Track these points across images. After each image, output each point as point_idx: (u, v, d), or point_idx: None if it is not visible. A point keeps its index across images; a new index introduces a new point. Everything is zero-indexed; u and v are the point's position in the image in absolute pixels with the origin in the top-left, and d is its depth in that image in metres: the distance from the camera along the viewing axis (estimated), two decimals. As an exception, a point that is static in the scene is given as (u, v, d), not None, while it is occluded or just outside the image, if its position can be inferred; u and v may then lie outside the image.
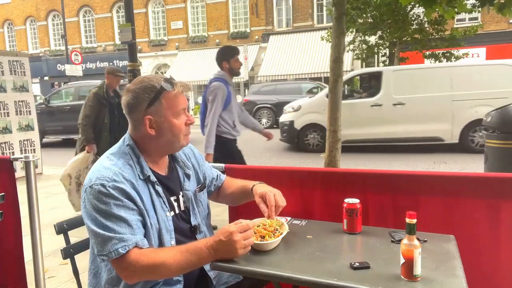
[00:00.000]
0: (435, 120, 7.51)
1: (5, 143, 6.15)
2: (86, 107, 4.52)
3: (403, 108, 7.59)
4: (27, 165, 2.21)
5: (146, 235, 1.33)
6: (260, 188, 1.55)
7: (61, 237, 1.57)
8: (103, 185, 1.27)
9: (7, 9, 28.66)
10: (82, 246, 1.61)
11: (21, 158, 2.22)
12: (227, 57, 3.66)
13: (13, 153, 6.20)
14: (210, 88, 3.63)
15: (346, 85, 8.37)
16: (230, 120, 3.63)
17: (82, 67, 19.02)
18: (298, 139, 8.57)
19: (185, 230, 1.48)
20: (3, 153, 6.04)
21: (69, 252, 1.56)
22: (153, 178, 1.40)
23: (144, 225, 1.33)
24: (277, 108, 13.58)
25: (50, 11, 27.56)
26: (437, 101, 7.50)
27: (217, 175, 1.75)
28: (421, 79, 7.69)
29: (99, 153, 4.39)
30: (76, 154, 4.57)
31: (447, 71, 7.73)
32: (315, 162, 7.35)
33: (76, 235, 1.65)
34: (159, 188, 1.41)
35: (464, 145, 7.50)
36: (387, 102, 7.72)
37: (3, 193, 2.16)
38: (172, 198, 1.47)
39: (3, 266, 2.36)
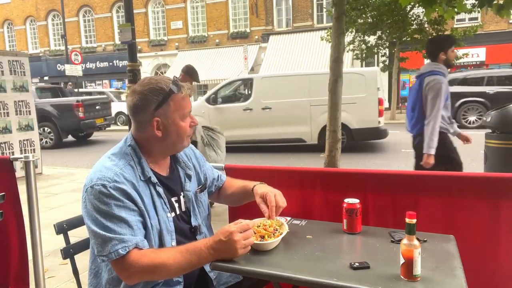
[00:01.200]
0: (297, 123, 8.36)
1: (5, 143, 6.14)
2: None
3: (270, 112, 8.47)
4: (27, 165, 2.21)
5: (147, 236, 1.32)
6: (261, 188, 1.55)
7: (61, 237, 1.57)
8: (104, 186, 1.26)
9: (7, 9, 28.65)
10: (82, 246, 1.61)
11: (21, 158, 2.22)
12: (445, 47, 3.26)
13: (13, 153, 6.19)
14: (431, 83, 3.19)
15: (219, 92, 9.27)
16: (446, 115, 3.28)
17: (82, 67, 19.01)
18: None
19: (186, 231, 1.48)
20: (3, 153, 6.04)
21: (69, 252, 1.56)
22: (154, 179, 1.39)
23: (145, 226, 1.33)
24: (493, 103, 10.94)
25: (50, 11, 27.55)
26: (298, 106, 8.32)
27: (218, 176, 1.75)
28: (284, 86, 8.56)
29: None
30: None
31: (306, 78, 8.44)
32: (315, 162, 7.37)
33: (76, 235, 1.65)
34: (160, 189, 1.40)
35: (323, 146, 7.96)
36: (257, 106, 8.57)
37: (3, 193, 2.16)
38: (173, 199, 1.47)
39: (4, 265, 2.36)
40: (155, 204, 1.37)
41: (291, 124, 8.35)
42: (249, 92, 8.90)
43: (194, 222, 1.51)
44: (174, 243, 1.39)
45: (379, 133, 8.20)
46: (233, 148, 8.45)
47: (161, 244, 1.36)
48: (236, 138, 8.49)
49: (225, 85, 9.27)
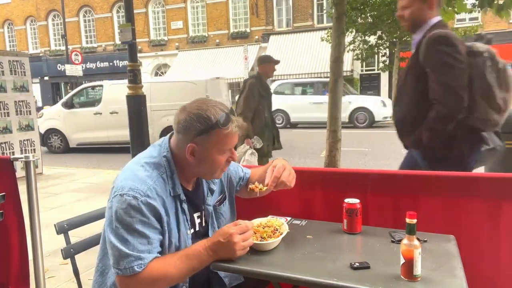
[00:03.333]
0: None
1: (5, 143, 6.14)
2: (247, 99, 4.08)
3: (117, 116, 9.28)
4: (27, 165, 2.20)
5: (163, 253, 1.30)
6: (278, 160, 1.55)
7: (61, 237, 1.57)
8: (135, 198, 1.23)
9: (7, 9, 28.66)
10: (83, 246, 1.61)
11: (21, 158, 2.21)
12: None
13: (13, 153, 6.19)
14: None
15: (74, 97, 10.28)
16: None
17: (82, 67, 19.01)
18: (43, 141, 9.70)
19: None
20: (3, 153, 6.04)
21: (69, 252, 1.56)
22: (182, 196, 1.37)
23: (162, 244, 1.30)
24: None
25: (50, 11, 27.56)
26: None
27: (244, 174, 1.71)
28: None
29: (262, 149, 4.18)
30: None
31: (147, 86, 9.19)
32: (315, 162, 7.37)
33: (77, 235, 1.65)
34: (185, 206, 1.39)
35: None
36: (106, 111, 9.52)
37: (3, 193, 2.16)
38: (195, 215, 1.46)
39: (4, 265, 2.36)
40: (178, 220, 1.36)
41: None
42: (99, 97, 9.97)
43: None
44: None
45: None
46: (89, 149, 9.89)
47: None
48: (88, 139, 9.74)
49: (78, 91, 10.35)
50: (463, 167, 1.86)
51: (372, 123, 13.57)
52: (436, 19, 2.09)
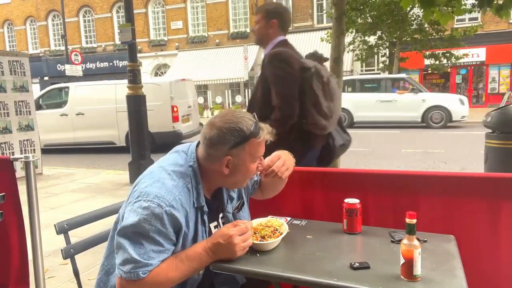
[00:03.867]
0: (106, 127, 9.49)
1: (5, 143, 6.14)
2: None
3: (84, 117, 9.56)
4: (27, 165, 2.20)
5: None
6: (278, 151, 1.58)
7: (61, 237, 1.57)
8: (160, 206, 1.22)
9: (7, 9, 28.66)
10: (83, 246, 1.60)
11: (21, 158, 2.21)
12: None
13: (13, 153, 6.19)
14: None
15: (41, 99, 10.29)
16: None
17: (82, 67, 19.00)
18: None
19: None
20: (3, 153, 6.04)
21: (70, 252, 1.55)
22: (206, 208, 1.37)
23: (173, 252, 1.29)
24: None
25: (50, 11, 27.56)
26: (106, 112, 9.44)
27: (258, 176, 1.71)
28: (95, 94, 9.79)
29: None
30: None
31: (113, 88, 9.60)
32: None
33: (77, 235, 1.65)
34: (206, 218, 1.39)
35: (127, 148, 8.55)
36: (72, 112, 9.70)
37: (3, 193, 2.16)
38: (212, 225, 1.45)
39: (4, 265, 2.36)
40: (197, 231, 1.35)
41: (102, 128, 9.47)
42: (66, 99, 10.04)
43: None
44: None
45: (175, 135, 9.28)
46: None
47: None
48: (55, 141, 9.84)
49: (45, 93, 10.42)
50: (304, 163, 2.11)
51: (448, 123, 12.35)
52: (279, 38, 2.43)
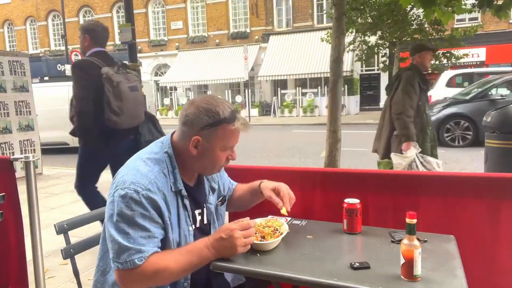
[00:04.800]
0: (60, 128, 9.28)
1: (5, 143, 6.14)
2: (408, 94, 3.43)
3: (39, 118, 9.68)
4: (27, 165, 2.20)
5: (164, 249, 1.30)
6: (269, 183, 1.57)
7: (61, 237, 1.57)
8: (136, 192, 1.24)
9: (7, 9, 28.66)
10: (83, 246, 1.60)
11: (21, 158, 2.21)
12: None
13: (13, 153, 6.19)
14: None
15: None
16: None
17: (82, 67, 18.97)
18: None
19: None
20: (3, 153, 6.04)
21: (69, 252, 1.55)
22: (184, 192, 1.38)
23: (164, 240, 1.31)
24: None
25: (50, 11, 27.56)
26: (60, 113, 9.30)
27: (231, 185, 1.74)
28: (50, 94, 10.12)
29: (425, 152, 3.45)
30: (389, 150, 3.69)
31: (66, 89, 9.59)
32: (315, 162, 7.37)
33: (77, 235, 1.65)
34: (187, 202, 1.39)
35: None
36: None
37: (3, 193, 2.16)
38: (196, 212, 1.46)
39: (4, 266, 2.36)
40: (179, 216, 1.36)
41: (56, 129, 9.58)
42: None
43: None
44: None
45: None
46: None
47: None
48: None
49: None
50: (109, 152, 2.69)
51: None
52: (93, 50, 2.99)
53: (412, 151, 3.35)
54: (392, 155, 3.55)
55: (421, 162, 3.35)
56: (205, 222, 1.50)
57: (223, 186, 1.64)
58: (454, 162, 6.97)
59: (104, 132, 2.84)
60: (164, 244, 1.31)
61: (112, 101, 2.76)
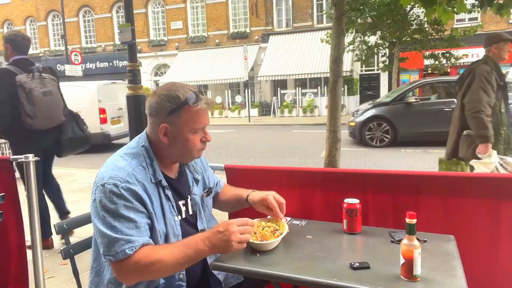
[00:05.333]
0: None
1: (5, 143, 6.14)
2: (484, 89, 3.09)
3: None
4: (27, 165, 2.20)
5: (153, 240, 1.32)
6: (256, 195, 1.57)
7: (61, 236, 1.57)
8: (115, 185, 1.26)
9: (7, 9, 28.65)
10: (82, 246, 1.60)
11: (21, 158, 2.21)
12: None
13: (13, 153, 6.19)
14: None
15: None
16: None
17: (82, 67, 19.00)
18: None
19: (192, 235, 1.48)
20: (2, 153, 6.03)
21: (69, 252, 1.56)
22: (164, 182, 1.39)
23: (151, 229, 1.32)
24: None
25: (50, 11, 27.55)
26: None
27: (217, 181, 1.75)
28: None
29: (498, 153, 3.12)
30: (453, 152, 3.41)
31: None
32: (315, 162, 7.37)
33: (76, 235, 1.65)
34: (168, 192, 1.40)
35: None
36: None
37: (3, 193, 2.16)
38: (180, 202, 1.47)
39: (4, 266, 2.36)
40: (163, 207, 1.37)
41: None
42: None
43: (200, 226, 1.51)
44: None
45: (103, 137, 9.58)
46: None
47: None
48: None
49: None
50: (36, 151, 2.69)
51: None
52: (14, 58, 3.24)
53: (494, 155, 3.02)
54: (473, 162, 3.13)
55: (501, 165, 3.01)
56: (191, 212, 1.51)
57: (208, 179, 1.65)
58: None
59: (24, 132, 3.16)
60: (151, 236, 1.32)
61: (26, 105, 3.09)
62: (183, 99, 1.33)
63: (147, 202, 1.31)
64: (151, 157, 1.39)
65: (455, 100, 3.86)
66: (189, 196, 1.51)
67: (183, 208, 1.48)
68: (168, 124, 1.35)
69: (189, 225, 1.48)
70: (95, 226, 1.28)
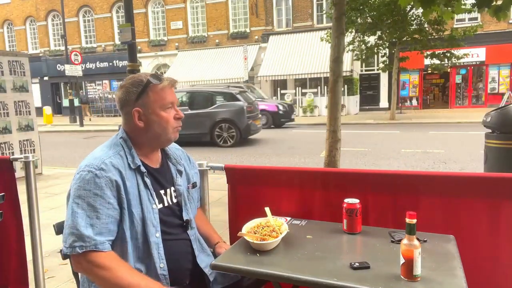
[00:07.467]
0: None
1: (5, 143, 6.14)
2: None
3: None
4: (27, 165, 2.20)
5: (130, 224, 1.34)
6: (224, 247, 1.58)
7: (60, 237, 1.57)
8: (89, 172, 1.30)
9: (7, 9, 28.65)
10: (82, 246, 1.60)
11: (21, 158, 2.22)
12: None
13: (12, 153, 6.19)
14: None
15: None
16: None
17: (82, 67, 19.01)
18: None
19: (176, 225, 1.50)
20: (3, 153, 6.03)
21: (69, 252, 1.55)
22: (143, 169, 1.42)
23: (125, 213, 1.33)
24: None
25: (50, 11, 27.55)
26: None
27: (199, 197, 1.78)
28: None
29: None
30: None
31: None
32: (315, 162, 7.37)
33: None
34: (147, 180, 1.42)
35: None
36: None
37: (3, 193, 2.16)
38: (161, 191, 1.48)
39: (4, 266, 2.36)
40: (140, 193, 1.39)
41: None
42: None
43: (185, 217, 1.53)
44: (158, 234, 1.40)
45: None
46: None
47: (145, 235, 1.36)
48: None
49: None
50: None
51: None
52: None
53: None
54: None
55: None
56: (175, 201, 1.52)
57: (192, 175, 1.67)
58: (454, 162, 6.97)
59: None
60: (127, 218, 1.33)
61: None
62: (146, 80, 1.40)
63: (121, 186, 1.33)
64: (129, 146, 1.44)
65: None
66: (172, 187, 1.53)
67: (164, 197, 1.49)
68: (139, 107, 1.40)
69: (173, 215, 1.49)
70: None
